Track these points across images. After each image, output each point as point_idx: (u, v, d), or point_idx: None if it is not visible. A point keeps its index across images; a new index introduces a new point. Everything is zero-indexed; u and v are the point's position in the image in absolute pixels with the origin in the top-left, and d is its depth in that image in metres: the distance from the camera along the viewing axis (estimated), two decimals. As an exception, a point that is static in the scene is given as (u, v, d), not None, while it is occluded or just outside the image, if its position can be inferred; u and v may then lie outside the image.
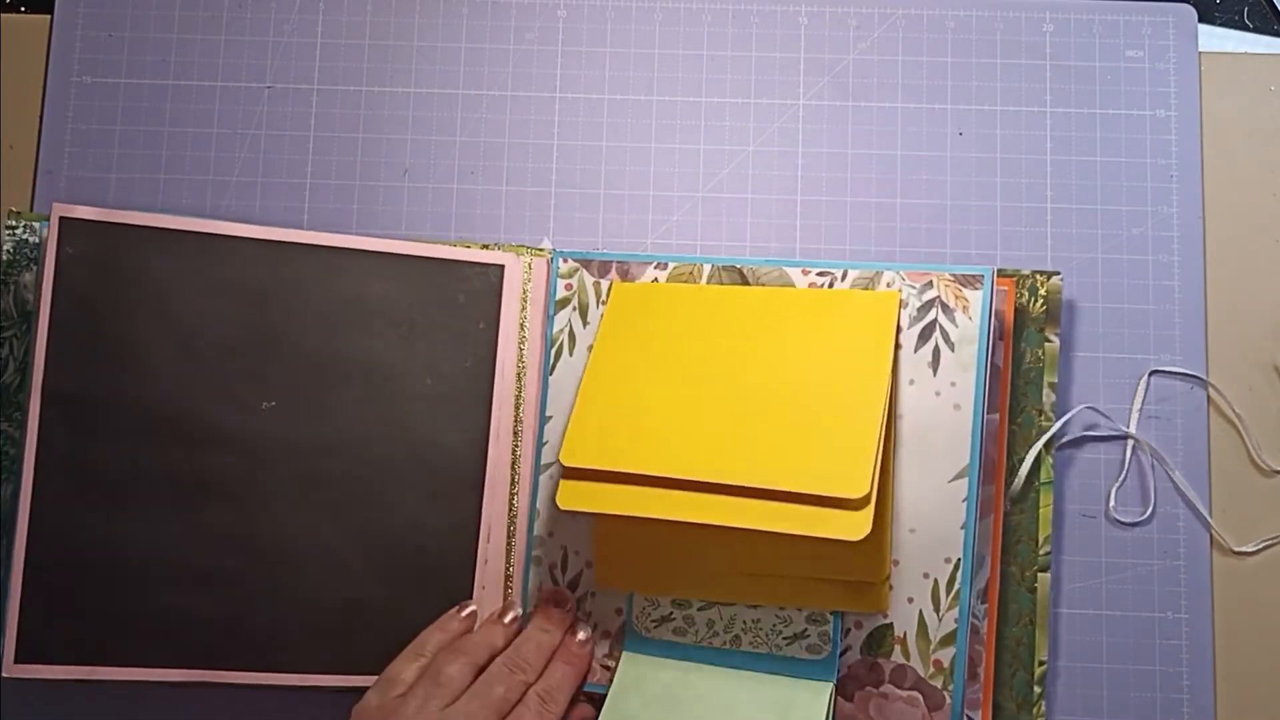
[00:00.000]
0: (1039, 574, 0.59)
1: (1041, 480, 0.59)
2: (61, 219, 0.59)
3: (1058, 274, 0.60)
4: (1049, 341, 0.60)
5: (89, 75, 0.67)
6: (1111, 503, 0.62)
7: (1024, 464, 0.59)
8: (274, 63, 0.67)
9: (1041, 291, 0.60)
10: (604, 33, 0.67)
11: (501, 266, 0.62)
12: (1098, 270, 0.64)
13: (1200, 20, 0.66)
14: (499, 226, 0.65)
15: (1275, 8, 0.68)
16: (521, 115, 0.67)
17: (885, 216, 0.65)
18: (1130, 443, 0.62)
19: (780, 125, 0.66)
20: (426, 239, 0.65)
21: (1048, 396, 0.60)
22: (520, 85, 0.67)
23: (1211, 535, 0.62)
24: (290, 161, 0.66)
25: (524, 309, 0.63)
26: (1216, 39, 0.67)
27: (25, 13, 0.68)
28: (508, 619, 0.60)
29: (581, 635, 0.59)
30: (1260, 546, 0.62)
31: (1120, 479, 0.62)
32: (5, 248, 0.61)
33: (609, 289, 0.62)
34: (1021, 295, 0.60)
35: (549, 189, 0.66)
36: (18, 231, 0.62)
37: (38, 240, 0.61)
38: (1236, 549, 0.62)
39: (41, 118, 0.66)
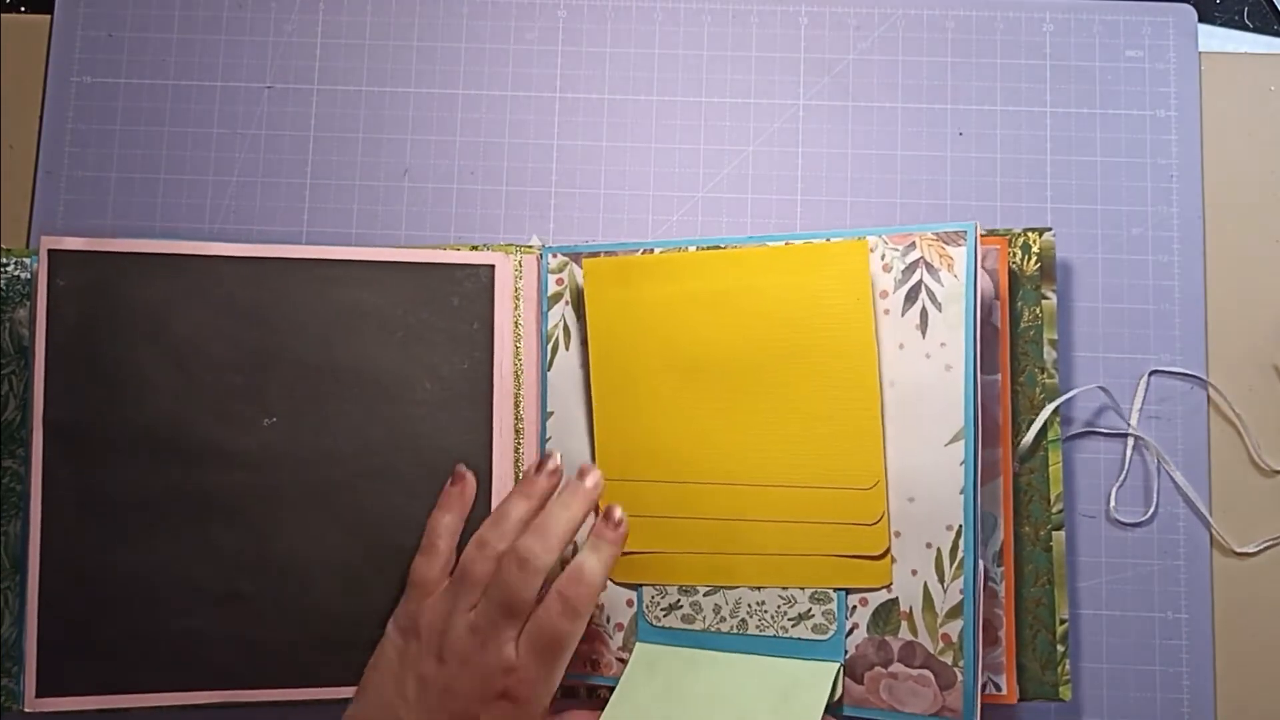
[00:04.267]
0: (1054, 532, 0.59)
1: (1049, 439, 0.59)
2: (50, 251, 0.58)
3: (1049, 230, 0.60)
4: (1046, 299, 0.60)
5: (89, 75, 0.67)
6: (1112, 503, 0.62)
7: (1035, 423, 0.59)
8: (274, 63, 0.67)
9: (1035, 249, 0.60)
10: (604, 33, 0.67)
11: (492, 266, 0.62)
12: (1098, 270, 0.64)
13: (1200, 20, 0.66)
14: (499, 226, 0.65)
15: (1275, 8, 0.68)
16: (521, 115, 0.67)
17: (885, 216, 0.65)
18: (1131, 441, 0.62)
19: (780, 125, 0.66)
20: (426, 239, 0.65)
21: (1049, 354, 0.60)
22: (520, 85, 0.67)
23: (1212, 535, 0.62)
24: (290, 161, 0.66)
25: (517, 307, 0.63)
26: (1216, 39, 0.67)
27: (25, 13, 0.68)
28: (550, 467, 0.59)
29: (590, 480, 0.57)
30: (1261, 547, 0.62)
31: (1120, 479, 0.62)
32: None
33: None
34: (1014, 254, 0.60)
35: (549, 189, 0.66)
36: (8, 268, 0.61)
37: (29, 275, 0.61)
38: (1238, 550, 0.62)
39: (41, 118, 0.66)
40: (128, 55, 0.67)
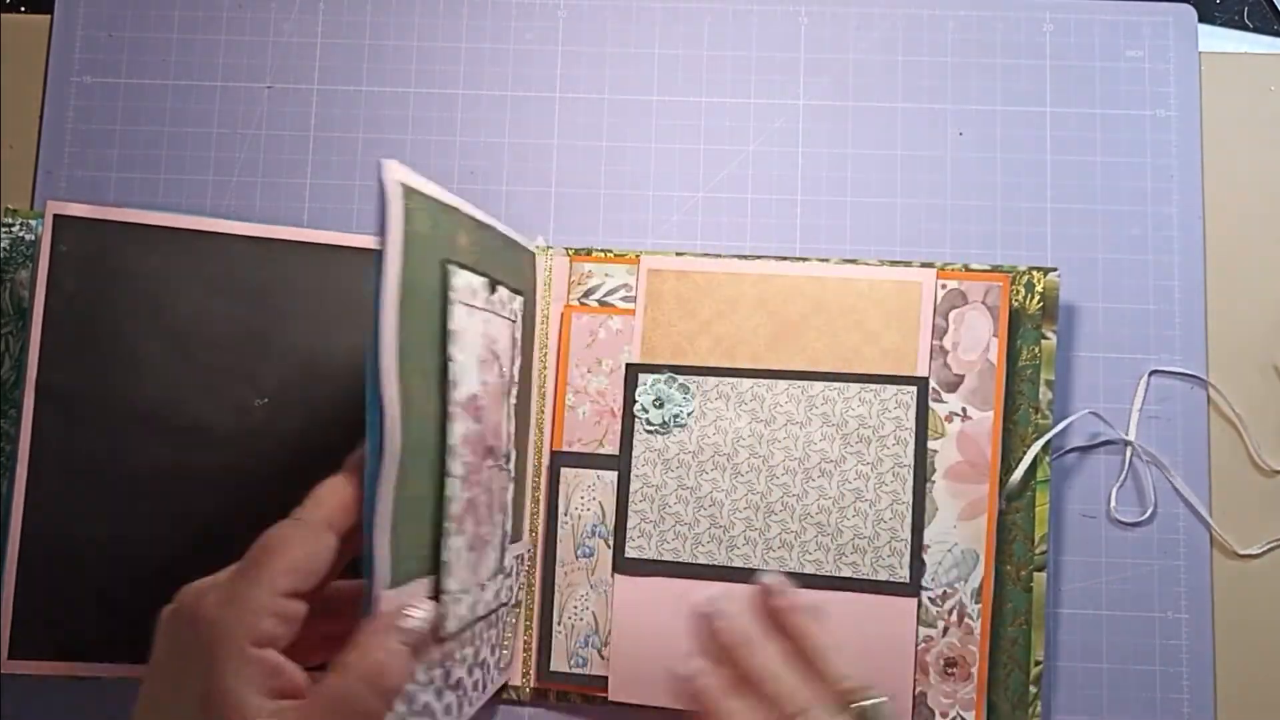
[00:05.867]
0: (1035, 573, 0.59)
1: (1038, 479, 0.59)
2: (55, 216, 0.59)
3: (1055, 270, 0.60)
4: (1046, 339, 0.60)
5: (89, 75, 0.67)
6: (1112, 503, 0.62)
7: (1022, 463, 0.59)
8: (274, 63, 0.67)
9: (1038, 288, 0.60)
10: (604, 33, 0.67)
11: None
12: (1098, 270, 0.64)
13: (1200, 20, 0.66)
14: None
15: (1275, 8, 0.68)
16: (521, 115, 0.67)
17: (885, 216, 0.65)
18: (1129, 447, 0.62)
19: (780, 125, 0.66)
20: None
21: (1044, 394, 0.60)
22: (520, 85, 0.67)
23: (1212, 536, 0.62)
24: (290, 161, 0.66)
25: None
26: (1216, 39, 0.67)
27: (25, 13, 0.68)
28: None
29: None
30: (1265, 549, 0.62)
31: (1120, 479, 0.62)
32: (2, 245, 0.61)
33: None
34: (1017, 292, 0.60)
35: (549, 189, 0.66)
36: (14, 229, 0.62)
37: (34, 237, 0.62)
38: (1241, 552, 0.61)
39: (41, 118, 0.66)
40: (128, 55, 0.67)
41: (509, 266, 0.58)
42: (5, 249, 0.62)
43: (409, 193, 0.46)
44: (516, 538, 0.59)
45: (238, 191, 0.66)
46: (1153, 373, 0.63)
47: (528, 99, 0.67)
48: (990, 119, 0.66)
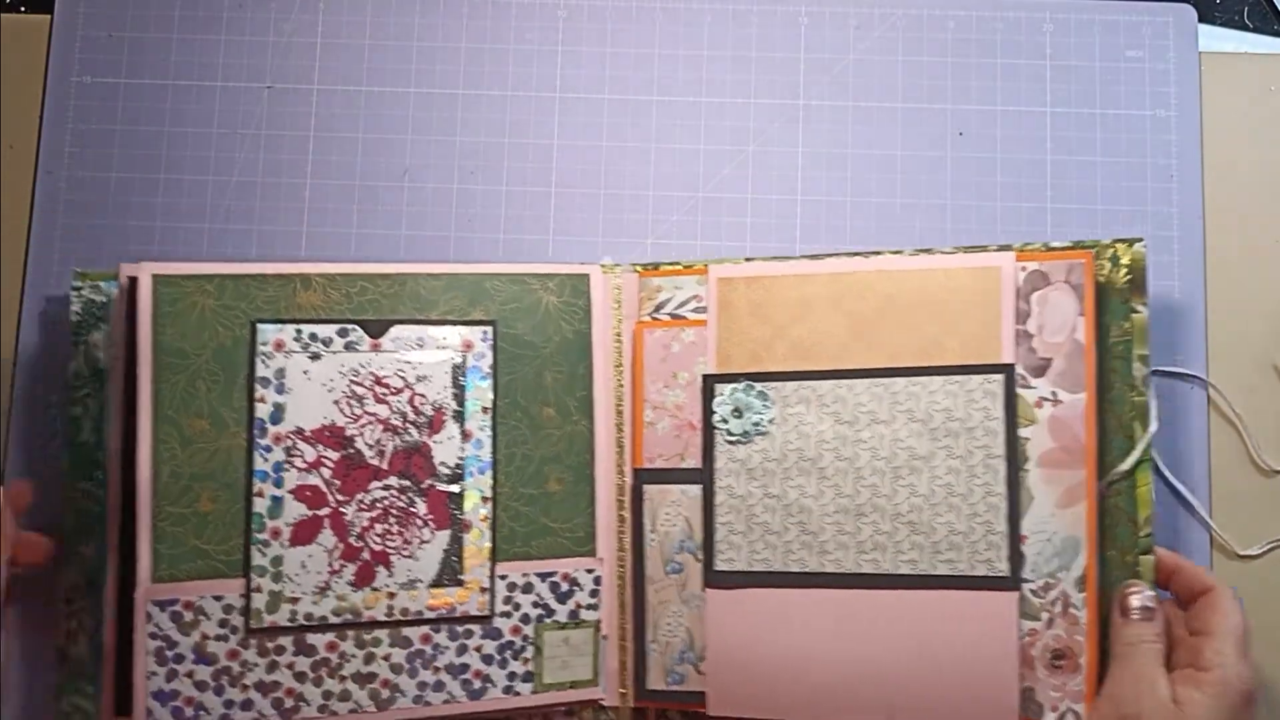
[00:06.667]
0: (1141, 556, 0.56)
1: (1139, 459, 0.57)
2: (130, 279, 0.58)
3: (1140, 240, 0.58)
4: (1136, 312, 0.57)
5: (89, 75, 0.67)
6: (1112, 503, 0.62)
7: (1135, 450, 0.56)
8: (274, 63, 0.67)
9: (1124, 260, 0.58)
10: (604, 33, 0.67)
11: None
12: (1098, 270, 0.64)
13: (1200, 20, 0.66)
14: (499, 226, 0.65)
15: (1275, 8, 0.68)
16: (521, 115, 0.67)
17: (885, 216, 0.65)
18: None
19: (780, 125, 0.66)
20: (426, 239, 0.65)
21: (1139, 370, 0.57)
22: (520, 85, 0.67)
23: (1212, 536, 0.62)
24: (290, 161, 0.66)
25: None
26: (1216, 39, 0.67)
27: (25, 13, 0.68)
28: None
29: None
30: (1265, 549, 0.62)
31: (1120, 479, 0.62)
32: (73, 309, 0.60)
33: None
34: (1102, 266, 0.58)
35: (549, 189, 0.66)
36: (84, 292, 0.61)
37: (104, 299, 0.61)
38: (1241, 553, 0.61)
39: (41, 118, 0.66)
40: (128, 55, 0.67)
41: (449, 305, 0.60)
42: (78, 313, 0.60)
43: (175, 279, 0.57)
44: (548, 554, 0.60)
45: (238, 191, 0.66)
46: (1153, 373, 0.63)
47: (528, 99, 0.67)
48: (990, 119, 0.66)
